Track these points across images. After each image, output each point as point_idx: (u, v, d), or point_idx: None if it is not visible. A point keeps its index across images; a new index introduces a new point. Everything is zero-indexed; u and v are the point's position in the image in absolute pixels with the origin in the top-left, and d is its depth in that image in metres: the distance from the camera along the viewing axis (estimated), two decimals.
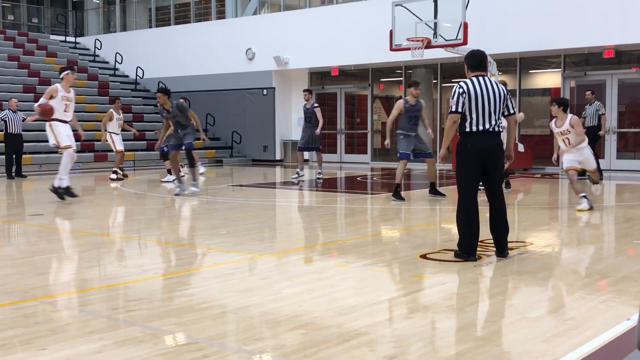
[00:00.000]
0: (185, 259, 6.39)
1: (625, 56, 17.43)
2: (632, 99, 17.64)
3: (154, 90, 24.62)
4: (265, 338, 3.89)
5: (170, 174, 14.85)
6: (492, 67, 16.49)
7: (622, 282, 5.18)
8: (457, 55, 16.48)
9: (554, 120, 9.66)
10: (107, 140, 15.19)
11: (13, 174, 15.68)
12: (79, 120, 20.29)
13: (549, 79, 19.58)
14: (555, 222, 9.09)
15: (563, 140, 9.58)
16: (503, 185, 6.76)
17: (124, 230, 8.44)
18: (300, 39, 21.40)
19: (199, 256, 6.60)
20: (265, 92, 22.41)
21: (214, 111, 22.58)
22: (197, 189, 11.56)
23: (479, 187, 6.17)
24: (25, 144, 18.25)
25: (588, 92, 14.91)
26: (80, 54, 25.73)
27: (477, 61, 6.05)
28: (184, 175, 15.20)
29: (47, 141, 18.43)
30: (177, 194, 11.49)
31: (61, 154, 10.93)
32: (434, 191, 11.07)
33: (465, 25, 14.99)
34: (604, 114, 14.77)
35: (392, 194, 10.79)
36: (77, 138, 12.13)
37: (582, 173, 11.38)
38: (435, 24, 15.50)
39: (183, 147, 11.50)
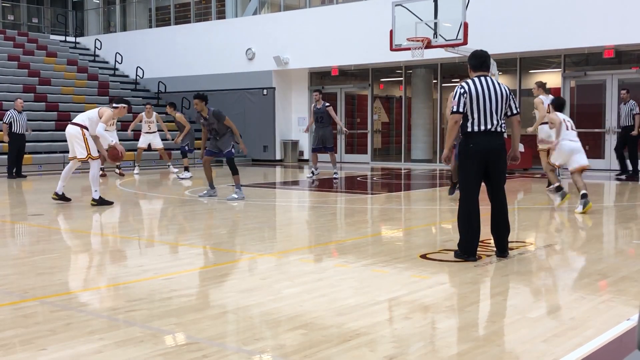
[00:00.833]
0: (185, 259, 6.39)
1: (625, 56, 17.43)
2: (632, 99, 17.64)
3: (154, 90, 24.66)
4: (265, 338, 3.89)
5: (187, 171, 15.61)
6: (492, 67, 16.49)
7: (622, 282, 5.18)
8: (457, 55, 16.49)
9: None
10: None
11: (14, 173, 15.69)
12: None
13: (549, 79, 19.55)
14: (555, 222, 9.09)
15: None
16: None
17: (124, 230, 8.43)
18: (300, 39, 21.40)
19: (199, 256, 6.60)
20: (265, 92, 22.41)
21: None
22: (238, 195, 10.83)
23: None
24: (25, 143, 18.27)
25: (623, 91, 14.70)
26: (80, 54, 25.72)
27: (479, 61, 6.04)
28: (185, 177, 15.30)
29: (47, 141, 18.57)
30: (201, 196, 11.30)
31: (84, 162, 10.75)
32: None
33: (466, 25, 14.99)
34: (639, 113, 14.52)
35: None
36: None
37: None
38: (436, 24, 15.51)
39: (223, 155, 10.97)
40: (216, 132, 10.86)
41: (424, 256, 6.22)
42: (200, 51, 23.56)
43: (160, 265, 6.01)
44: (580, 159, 9.46)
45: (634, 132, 14.48)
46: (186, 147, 16.27)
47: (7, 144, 15.82)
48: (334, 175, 14.77)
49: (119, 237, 7.76)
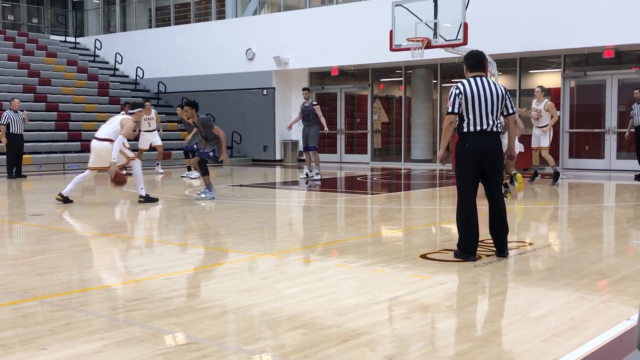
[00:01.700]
0: (185, 259, 6.39)
1: (625, 56, 17.43)
2: (632, 99, 17.63)
3: (154, 91, 24.66)
4: (265, 338, 3.89)
5: (190, 170, 15.68)
6: (492, 67, 16.48)
7: (622, 282, 5.18)
8: (457, 56, 16.48)
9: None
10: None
11: (14, 173, 15.69)
12: (79, 120, 20.38)
13: (549, 79, 19.58)
14: (555, 221, 9.09)
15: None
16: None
17: (124, 230, 8.43)
18: (300, 39, 21.40)
19: (199, 256, 6.60)
20: (265, 92, 22.41)
21: (214, 111, 22.55)
22: (205, 195, 11.05)
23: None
24: (25, 144, 18.26)
25: (636, 91, 14.55)
26: (80, 54, 25.72)
27: (475, 61, 6.05)
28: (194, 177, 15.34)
29: (47, 141, 18.57)
30: (197, 199, 11.27)
31: (129, 167, 10.98)
32: None
33: (465, 25, 14.99)
34: None
35: None
36: None
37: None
38: (435, 24, 15.51)
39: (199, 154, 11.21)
40: (205, 138, 11.18)
41: (424, 256, 6.22)
42: (200, 51, 23.56)
43: (160, 265, 6.01)
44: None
45: None
46: (195, 146, 16.34)
47: (5, 145, 15.81)
48: (316, 177, 14.55)
49: (119, 237, 7.76)
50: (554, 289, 5.10)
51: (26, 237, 7.99)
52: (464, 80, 5.99)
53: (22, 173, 15.95)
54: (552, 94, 18.76)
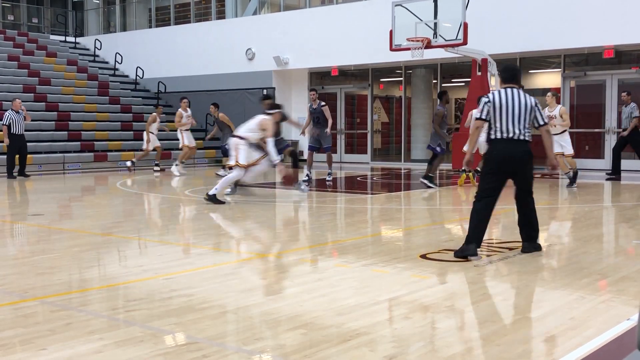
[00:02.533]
0: (185, 259, 6.39)
1: (625, 56, 17.42)
2: (632, 99, 17.63)
3: (154, 91, 24.66)
4: (265, 338, 3.89)
5: (224, 169, 15.61)
6: (492, 67, 16.48)
7: (622, 282, 5.18)
8: (457, 56, 16.48)
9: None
10: (149, 141, 17.41)
11: (15, 173, 15.70)
12: (79, 120, 20.39)
13: (549, 79, 19.58)
14: (555, 222, 9.09)
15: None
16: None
17: (123, 230, 8.43)
18: (300, 39, 21.40)
19: (199, 256, 6.60)
20: (265, 92, 22.40)
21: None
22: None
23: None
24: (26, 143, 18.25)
25: (624, 94, 14.64)
26: (80, 54, 25.72)
27: (509, 74, 6.42)
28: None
29: (47, 141, 18.57)
30: (227, 194, 11.41)
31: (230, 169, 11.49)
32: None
33: (465, 25, 14.98)
34: (637, 116, 14.22)
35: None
36: None
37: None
38: (435, 24, 15.50)
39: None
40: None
41: (424, 256, 6.22)
42: (200, 51, 23.56)
43: (160, 265, 6.01)
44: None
45: (624, 133, 14.47)
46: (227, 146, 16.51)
47: (6, 145, 15.81)
48: (327, 177, 14.41)
49: (119, 237, 7.75)
50: (554, 289, 5.10)
51: (26, 237, 7.99)
52: (495, 91, 6.35)
53: (26, 173, 15.96)
54: None
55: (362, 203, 11.24)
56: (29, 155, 17.31)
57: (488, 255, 6.18)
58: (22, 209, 11.04)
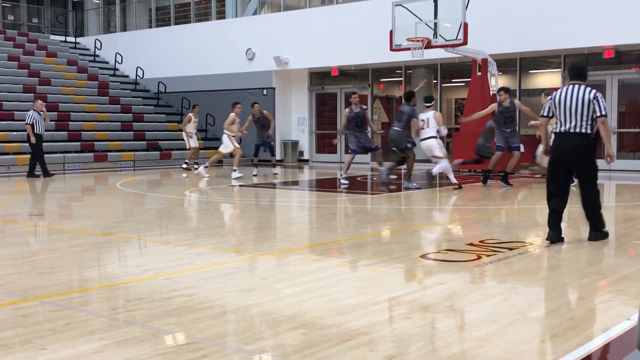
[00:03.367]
0: (185, 259, 6.39)
1: (625, 56, 17.42)
2: (632, 99, 17.64)
3: (154, 91, 24.66)
4: (265, 338, 3.89)
5: (257, 167, 16.50)
6: (492, 67, 16.49)
7: (622, 282, 5.18)
8: (457, 56, 16.49)
9: None
10: (191, 137, 18.06)
11: (38, 173, 15.91)
12: (79, 120, 20.38)
13: (549, 79, 19.58)
14: None
15: None
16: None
17: (124, 230, 8.43)
18: (300, 39, 21.40)
19: (199, 256, 6.60)
20: (265, 92, 22.40)
21: (214, 111, 22.56)
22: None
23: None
24: (25, 144, 18.26)
25: None
26: (80, 54, 25.72)
27: (576, 72, 6.92)
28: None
29: (47, 141, 18.52)
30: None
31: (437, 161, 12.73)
32: (504, 180, 13.09)
33: (465, 25, 14.99)
34: None
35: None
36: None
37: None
38: (435, 24, 15.51)
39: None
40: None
41: (424, 256, 6.22)
42: (200, 51, 23.55)
43: (160, 265, 6.01)
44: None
45: None
46: (271, 142, 16.83)
47: (28, 144, 15.94)
48: (387, 173, 13.79)
49: (119, 237, 7.75)
50: (554, 289, 5.10)
51: (26, 237, 7.99)
52: (560, 89, 6.92)
53: (36, 172, 16.13)
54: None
55: (362, 203, 11.24)
56: (28, 156, 17.34)
57: (488, 256, 6.18)
58: (22, 209, 11.04)
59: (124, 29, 27.74)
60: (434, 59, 17.97)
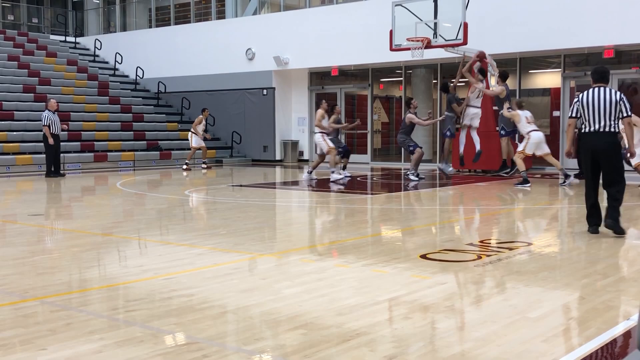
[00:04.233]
0: (185, 259, 6.39)
1: (625, 56, 17.42)
2: (631, 99, 17.64)
3: (154, 91, 24.67)
4: (265, 338, 3.89)
5: (345, 169, 15.96)
6: (492, 67, 16.46)
7: (622, 282, 5.18)
8: (457, 56, 16.47)
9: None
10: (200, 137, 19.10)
11: (52, 172, 15.94)
12: (79, 120, 20.38)
13: (549, 79, 19.57)
14: (555, 222, 9.09)
15: None
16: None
17: (123, 230, 8.43)
18: (300, 39, 21.40)
19: (199, 256, 6.60)
20: (265, 92, 22.41)
21: (214, 111, 22.58)
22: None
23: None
24: (24, 144, 18.27)
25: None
26: (80, 54, 25.72)
27: (599, 76, 7.28)
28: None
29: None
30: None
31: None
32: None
33: (465, 25, 14.98)
34: None
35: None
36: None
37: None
38: (435, 24, 15.50)
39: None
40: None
41: (424, 256, 6.22)
42: (200, 51, 23.56)
43: (160, 265, 6.01)
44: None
45: None
46: (347, 146, 16.91)
47: (44, 144, 15.97)
48: (419, 176, 14.83)
49: (119, 237, 7.76)
50: (554, 289, 5.10)
51: (26, 237, 7.99)
52: (586, 91, 7.21)
53: (60, 172, 16.23)
54: (552, 94, 18.77)
55: (362, 203, 11.24)
56: (28, 156, 17.34)
57: (488, 256, 6.18)
58: (21, 209, 11.04)
59: (124, 29, 27.74)
60: (434, 58, 17.97)
